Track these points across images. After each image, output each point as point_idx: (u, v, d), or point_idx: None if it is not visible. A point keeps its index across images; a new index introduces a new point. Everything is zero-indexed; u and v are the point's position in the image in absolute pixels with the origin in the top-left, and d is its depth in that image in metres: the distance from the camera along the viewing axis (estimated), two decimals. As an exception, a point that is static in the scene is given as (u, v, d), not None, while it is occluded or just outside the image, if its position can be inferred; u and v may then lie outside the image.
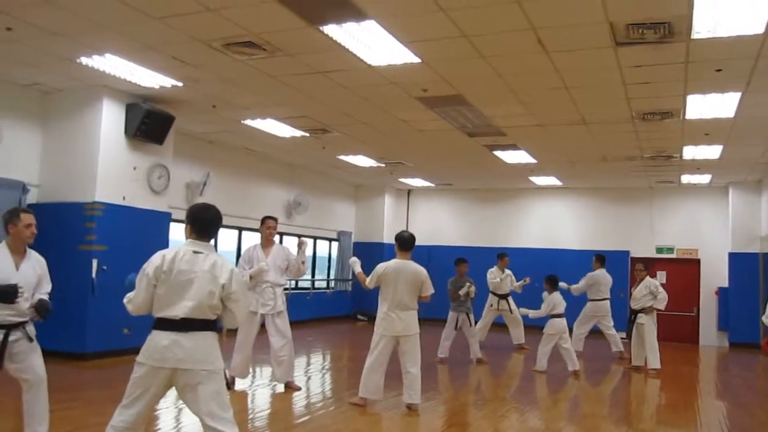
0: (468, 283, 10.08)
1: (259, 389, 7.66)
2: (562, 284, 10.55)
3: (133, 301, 3.69)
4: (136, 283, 3.69)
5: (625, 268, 15.01)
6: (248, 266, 7.35)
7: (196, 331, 3.60)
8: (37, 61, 7.84)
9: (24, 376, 4.45)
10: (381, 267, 6.76)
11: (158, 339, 3.57)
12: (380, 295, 6.77)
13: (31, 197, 9.09)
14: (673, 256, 15.40)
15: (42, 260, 4.73)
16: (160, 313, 3.62)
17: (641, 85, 7.71)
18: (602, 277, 11.58)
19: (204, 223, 3.82)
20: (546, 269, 12.37)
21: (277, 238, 14.52)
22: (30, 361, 4.44)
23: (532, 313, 9.76)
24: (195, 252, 3.71)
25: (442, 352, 10.22)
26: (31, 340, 4.45)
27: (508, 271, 11.96)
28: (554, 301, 9.53)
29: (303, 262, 7.46)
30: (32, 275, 4.54)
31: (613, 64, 6.98)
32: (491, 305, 11.81)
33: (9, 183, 8.72)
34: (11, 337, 4.37)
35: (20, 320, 4.42)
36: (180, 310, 3.58)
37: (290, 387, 7.44)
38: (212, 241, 3.90)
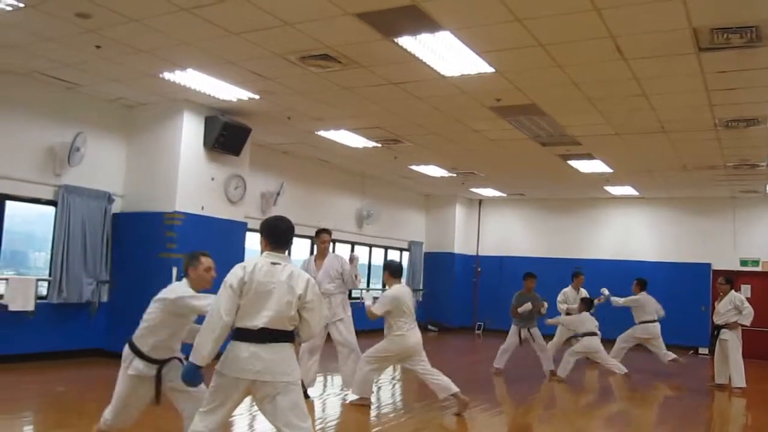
0: (538, 301, 9.94)
1: (330, 398, 7.72)
2: (603, 290, 11.18)
3: (219, 314, 3.65)
4: (218, 296, 3.73)
5: (706, 281, 14.47)
6: None
7: (275, 342, 3.66)
8: (123, 76, 8.20)
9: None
10: (390, 293, 6.97)
11: (238, 350, 3.64)
12: (394, 318, 6.92)
13: (116, 207, 9.49)
14: (759, 269, 14.72)
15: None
16: (239, 324, 3.69)
17: (725, 91, 7.43)
18: (648, 300, 11.04)
19: (279, 234, 3.88)
20: (621, 282, 12.10)
21: (348, 247, 14.87)
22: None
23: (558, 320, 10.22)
24: (273, 263, 3.78)
25: (499, 363, 10.08)
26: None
27: (583, 291, 11.51)
28: (583, 319, 9.92)
29: (356, 276, 7.59)
30: None
31: (695, 70, 6.76)
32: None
33: (96, 193, 9.14)
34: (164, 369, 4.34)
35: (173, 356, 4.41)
36: (259, 320, 3.65)
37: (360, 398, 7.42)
38: (287, 253, 3.96)
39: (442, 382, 6.85)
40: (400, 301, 6.86)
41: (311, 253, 13.70)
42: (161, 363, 4.26)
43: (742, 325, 9.60)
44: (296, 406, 3.67)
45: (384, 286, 7.66)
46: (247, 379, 3.63)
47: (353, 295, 8.86)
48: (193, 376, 3.72)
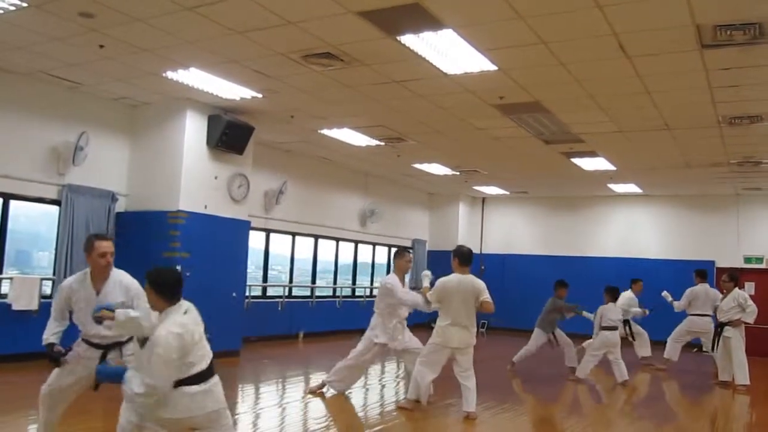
0: (566, 307, 10.05)
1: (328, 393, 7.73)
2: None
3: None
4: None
5: (710, 278, 14.41)
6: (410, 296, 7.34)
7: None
8: (126, 76, 8.21)
9: None
10: (441, 283, 6.78)
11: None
12: (441, 309, 6.77)
13: (119, 206, 9.51)
14: (762, 266, 14.69)
15: (128, 283, 4.69)
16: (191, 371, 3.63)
17: (728, 88, 7.42)
18: (702, 292, 10.85)
19: (176, 284, 3.74)
20: (625, 279, 12.05)
21: (352, 245, 14.88)
22: None
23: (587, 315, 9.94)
24: (185, 313, 3.72)
25: (518, 359, 10.13)
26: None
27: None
28: (604, 311, 9.49)
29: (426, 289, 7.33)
30: (114, 299, 4.46)
31: (698, 67, 6.75)
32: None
33: (100, 192, 9.16)
34: (109, 356, 4.47)
35: (116, 341, 4.49)
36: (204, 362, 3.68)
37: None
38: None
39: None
40: None
41: (314, 251, 13.76)
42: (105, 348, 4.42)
43: (746, 323, 9.57)
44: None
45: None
46: (201, 414, 3.63)
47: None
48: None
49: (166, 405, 3.51)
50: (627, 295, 11.24)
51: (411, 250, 7.64)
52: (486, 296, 6.68)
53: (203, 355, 3.63)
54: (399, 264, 7.55)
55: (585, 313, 10.20)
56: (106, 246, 4.52)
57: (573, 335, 10.23)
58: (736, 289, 9.75)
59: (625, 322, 10.99)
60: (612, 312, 9.47)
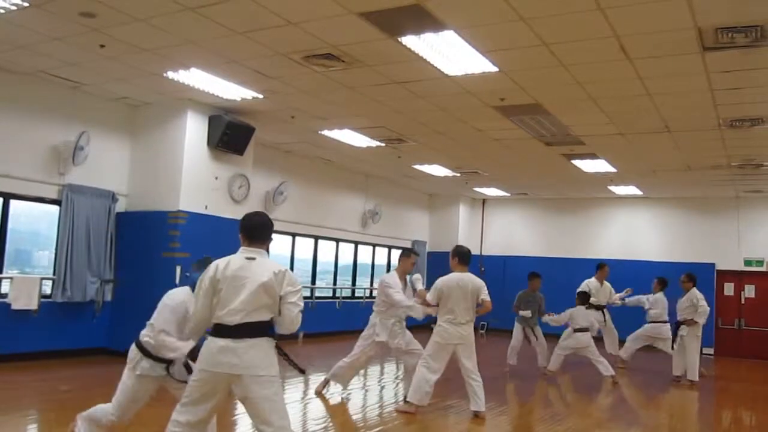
0: (542, 301, 10.14)
1: (333, 396, 7.73)
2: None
3: (192, 316, 3.82)
4: (194, 295, 3.80)
5: (710, 281, 14.42)
6: (402, 295, 7.27)
7: (250, 337, 3.62)
8: (127, 76, 8.21)
9: None
10: (442, 281, 6.82)
11: (213, 345, 3.63)
12: (440, 308, 6.79)
13: (120, 206, 9.51)
14: (763, 269, 14.67)
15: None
16: (215, 320, 3.68)
17: (730, 91, 7.41)
18: (661, 300, 11.01)
19: (252, 228, 3.84)
20: (625, 280, 12.04)
21: (352, 247, 14.87)
22: None
23: (552, 320, 9.90)
24: (247, 258, 3.75)
25: (511, 359, 10.25)
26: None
27: (607, 283, 11.62)
28: (571, 313, 9.76)
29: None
30: None
31: (699, 69, 6.75)
32: None
33: (100, 192, 9.16)
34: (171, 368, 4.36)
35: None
36: (235, 315, 3.61)
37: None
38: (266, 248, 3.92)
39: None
40: None
41: (314, 252, 13.75)
42: (168, 362, 4.26)
43: (696, 323, 9.88)
44: (273, 401, 3.62)
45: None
46: (224, 372, 3.59)
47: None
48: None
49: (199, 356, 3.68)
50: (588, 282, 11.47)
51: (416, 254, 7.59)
52: (485, 294, 6.74)
53: (237, 311, 3.61)
54: (403, 264, 7.51)
55: (546, 318, 10.14)
56: None
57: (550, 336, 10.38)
58: (694, 289, 10.04)
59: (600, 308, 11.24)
60: (581, 317, 9.78)
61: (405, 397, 7.05)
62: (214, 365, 3.59)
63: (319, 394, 7.53)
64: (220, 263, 3.73)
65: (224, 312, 3.63)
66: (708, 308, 9.93)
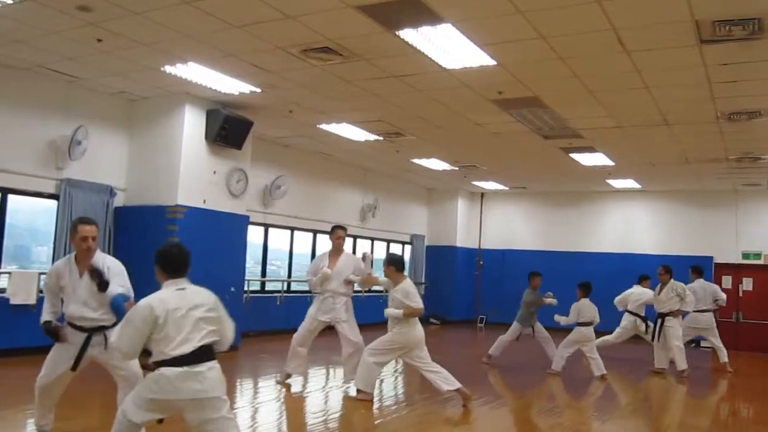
0: (540, 298, 10.08)
1: (332, 391, 7.75)
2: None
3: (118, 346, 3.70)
4: (123, 329, 3.66)
5: (708, 274, 14.42)
6: (314, 276, 7.55)
7: (209, 360, 3.61)
8: (125, 70, 8.19)
9: (120, 372, 4.61)
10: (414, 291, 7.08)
11: (172, 375, 3.53)
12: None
13: (118, 201, 9.50)
14: (760, 262, 14.70)
15: (110, 263, 4.76)
16: (170, 353, 3.55)
17: (727, 83, 7.42)
18: (701, 288, 11.00)
19: (176, 260, 3.78)
20: (623, 274, 12.10)
21: (350, 241, 14.87)
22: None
23: (563, 320, 9.64)
24: (178, 289, 3.71)
25: (494, 351, 10.16)
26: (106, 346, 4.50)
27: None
28: (579, 308, 9.48)
29: (370, 274, 7.57)
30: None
31: (697, 62, 6.75)
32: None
33: (98, 187, 9.15)
34: (93, 339, 4.56)
35: (101, 324, 4.58)
36: (189, 344, 3.56)
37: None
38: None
39: (443, 376, 6.85)
40: None
41: (313, 246, 13.78)
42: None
43: (682, 312, 10.07)
44: (230, 419, 3.67)
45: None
46: (186, 399, 3.54)
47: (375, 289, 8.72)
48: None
49: (150, 386, 3.55)
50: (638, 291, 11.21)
51: (344, 228, 7.73)
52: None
53: (187, 339, 3.55)
54: (331, 239, 7.79)
55: (547, 300, 10.06)
56: (89, 230, 4.60)
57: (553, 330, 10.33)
58: (672, 280, 10.12)
59: (642, 317, 11.07)
60: (587, 309, 9.49)
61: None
62: (173, 393, 3.52)
63: (281, 383, 7.66)
64: (153, 302, 3.59)
65: (175, 344, 3.55)
66: (694, 297, 10.16)
